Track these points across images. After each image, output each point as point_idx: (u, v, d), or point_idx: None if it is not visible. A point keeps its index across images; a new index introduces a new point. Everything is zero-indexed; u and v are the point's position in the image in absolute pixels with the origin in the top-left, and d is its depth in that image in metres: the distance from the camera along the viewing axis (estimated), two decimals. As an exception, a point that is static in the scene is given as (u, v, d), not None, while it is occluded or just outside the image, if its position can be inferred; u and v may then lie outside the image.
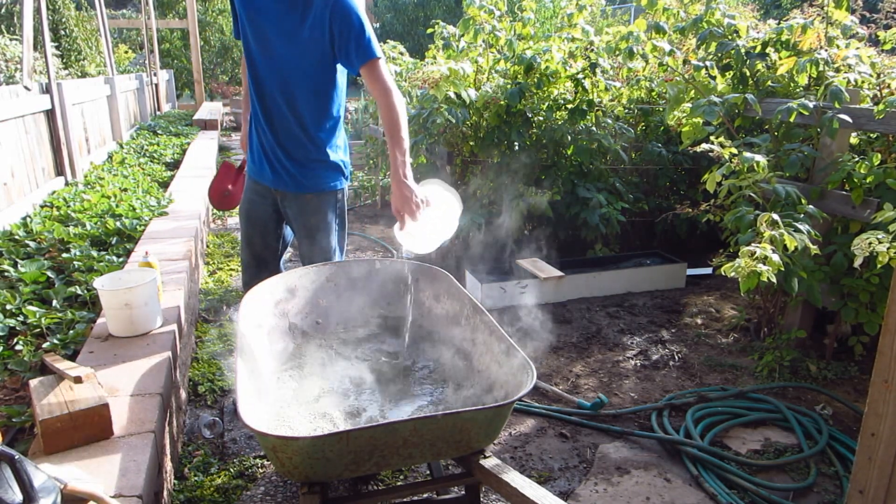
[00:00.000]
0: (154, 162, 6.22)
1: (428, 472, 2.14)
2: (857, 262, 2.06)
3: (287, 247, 2.67)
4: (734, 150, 2.86)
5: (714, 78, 3.72)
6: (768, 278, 2.34)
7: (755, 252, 2.39)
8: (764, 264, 2.36)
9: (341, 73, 2.31)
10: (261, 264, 2.56)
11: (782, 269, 2.41)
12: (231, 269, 4.32)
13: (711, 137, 2.98)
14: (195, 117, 9.96)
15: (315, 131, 2.32)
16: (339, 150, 2.41)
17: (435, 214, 2.11)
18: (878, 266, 2.07)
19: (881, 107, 2.70)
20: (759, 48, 3.51)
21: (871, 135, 3.16)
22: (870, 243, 2.00)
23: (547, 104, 4.34)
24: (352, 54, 2.14)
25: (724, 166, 2.86)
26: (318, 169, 2.36)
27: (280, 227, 2.54)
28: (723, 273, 2.50)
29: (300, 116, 2.28)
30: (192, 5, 12.42)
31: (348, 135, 9.31)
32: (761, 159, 2.78)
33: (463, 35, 4.61)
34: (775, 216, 2.53)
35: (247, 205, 2.52)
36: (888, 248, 2.00)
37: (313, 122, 2.30)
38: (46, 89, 4.54)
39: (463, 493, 1.83)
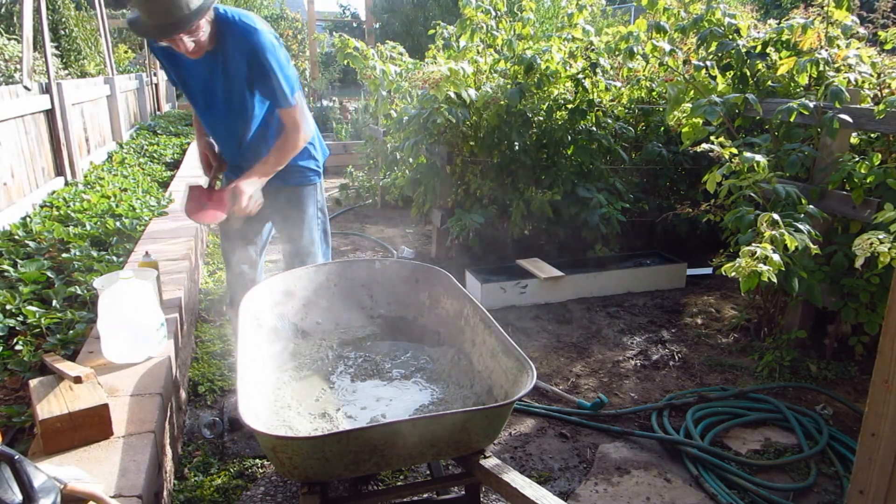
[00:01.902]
0: (154, 162, 6.22)
1: (428, 472, 2.14)
2: (859, 263, 2.06)
3: (265, 245, 2.75)
4: (734, 150, 2.86)
5: (714, 78, 3.72)
6: (769, 278, 2.34)
7: (755, 252, 2.39)
8: (764, 264, 2.36)
9: None
10: (246, 265, 2.65)
11: (783, 268, 2.41)
12: (231, 269, 4.32)
13: (712, 137, 2.98)
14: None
15: (269, 141, 2.43)
16: (307, 152, 2.50)
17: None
18: (880, 266, 2.07)
19: (881, 107, 2.70)
20: (759, 48, 3.50)
21: (872, 135, 3.16)
22: (871, 244, 2.00)
23: (547, 104, 4.34)
24: (272, 97, 2.27)
25: (725, 166, 2.86)
26: (294, 170, 2.46)
27: (256, 229, 2.62)
28: (723, 273, 2.49)
29: (265, 139, 2.39)
30: (192, 5, 12.39)
31: (348, 135, 9.30)
32: (761, 159, 2.78)
33: (461, 35, 4.61)
34: (776, 216, 2.53)
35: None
36: (889, 249, 2.00)
37: (264, 135, 2.41)
38: (46, 89, 4.54)
39: (463, 493, 1.83)
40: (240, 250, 2.62)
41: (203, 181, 2.47)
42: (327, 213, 2.70)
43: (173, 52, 2.14)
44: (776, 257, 2.37)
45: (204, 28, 2.05)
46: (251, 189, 2.22)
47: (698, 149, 2.97)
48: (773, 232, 2.46)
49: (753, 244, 2.46)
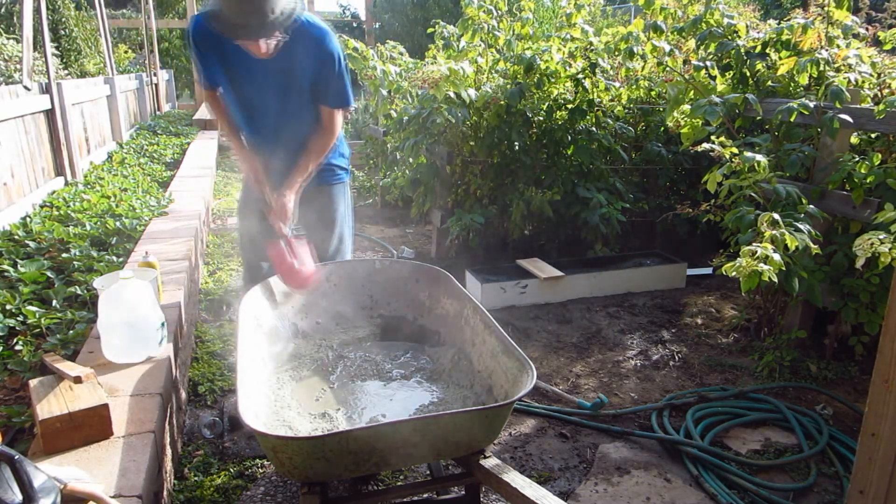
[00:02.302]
0: (154, 162, 6.22)
1: (428, 472, 2.14)
2: (860, 263, 2.06)
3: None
4: (735, 150, 2.86)
5: (714, 78, 3.72)
6: (769, 278, 2.34)
7: (756, 252, 2.39)
8: (765, 264, 2.36)
9: None
10: (263, 261, 2.64)
11: (783, 268, 2.41)
12: (231, 269, 4.32)
13: (712, 137, 2.98)
14: (195, 117, 9.96)
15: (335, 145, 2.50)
16: (337, 150, 2.55)
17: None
18: (880, 267, 2.07)
19: (882, 107, 2.70)
20: (759, 48, 3.50)
21: (872, 135, 3.16)
22: (872, 244, 2.00)
23: (547, 104, 4.34)
24: (325, 96, 2.32)
25: (725, 166, 2.86)
26: (325, 168, 2.49)
27: None
28: (724, 273, 2.49)
29: (305, 135, 2.41)
30: (192, 5, 12.41)
31: (348, 135, 9.30)
32: (762, 159, 2.78)
33: (462, 35, 4.61)
34: (776, 216, 2.53)
35: (246, 196, 2.63)
36: (890, 249, 2.00)
37: (307, 121, 2.43)
38: (46, 89, 4.54)
39: (463, 493, 1.83)
40: (261, 248, 2.59)
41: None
42: (353, 214, 2.78)
43: (224, 46, 2.13)
44: (777, 257, 2.37)
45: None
46: (288, 195, 2.27)
47: (699, 148, 2.97)
48: (774, 232, 2.46)
49: (754, 244, 2.46)
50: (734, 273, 2.41)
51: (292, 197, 2.27)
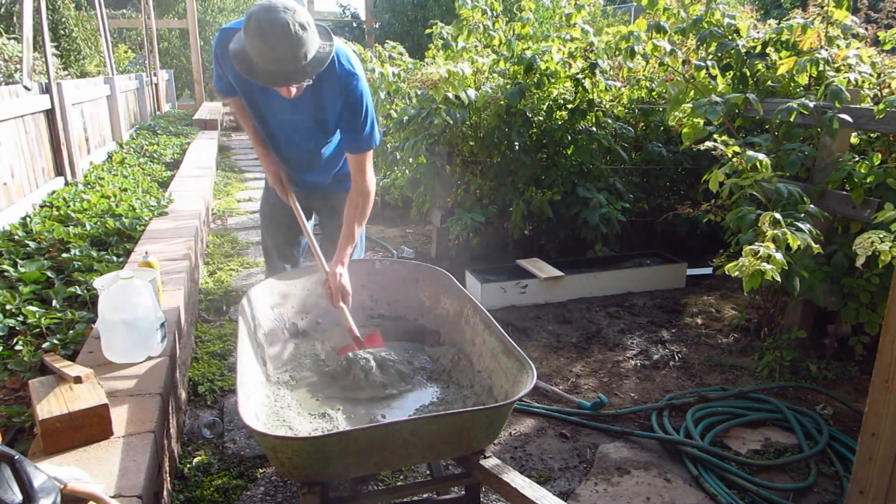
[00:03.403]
0: (154, 162, 6.22)
1: (428, 472, 2.14)
2: (860, 262, 2.05)
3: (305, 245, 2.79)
4: (737, 149, 2.86)
5: (714, 78, 3.72)
6: (772, 277, 2.33)
7: (759, 251, 2.39)
8: (768, 263, 2.36)
9: None
10: (284, 260, 2.73)
11: (786, 267, 2.41)
12: (231, 269, 4.32)
13: (714, 135, 2.98)
14: (195, 117, 9.96)
15: (339, 161, 2.48)
16: None
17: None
18: (880, 266, 2.07)
19: (881, 106, 2.70)
20: (759, 48, 3.50)
21: (872, 134, 3.16)
22: (872, 242, 2.00)
23: (547, 104, 4.34)
24: (352, 142, 2.25)
25: (727, 165, 2.86)
26: (344, 177, 2.45)
27: (301, 235, 2.66)
28: (726, 272, 2.49)
29: (325, 160, 2.42)
30: (192, 5, 12.42)
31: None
32: (764, 158, 2.78)
33: (457, 36, 4.61)
34: (777, 215, 2.53)
35: (269, 209, 2.67)
36: (890, 248, 2.00)
37: (336, 157, 2.46)
38: (46, 89, 4.54)
39: (463, 493, 1.83)
40: (283, 249, 2.70)
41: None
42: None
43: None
44: (779, 256, 2.37)
45: None
46: (342, 269, 2.19)
47: (701, 147, 2.97)
48: (776, 231, 2.46)
49: (756, 243, 2.45)
50: (737, 273, 2.41)
51: (345, 271, 2.18)
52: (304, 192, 2.55)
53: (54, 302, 2.57)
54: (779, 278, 2.36)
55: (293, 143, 2.33)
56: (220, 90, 2.33)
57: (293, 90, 1.95)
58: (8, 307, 2.46)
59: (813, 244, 2.50)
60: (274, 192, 2.52)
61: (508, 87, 4.15)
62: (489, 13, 4.59)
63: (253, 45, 1.80)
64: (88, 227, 3.50)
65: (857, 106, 2.89)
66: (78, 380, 1.78)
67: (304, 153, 2.37)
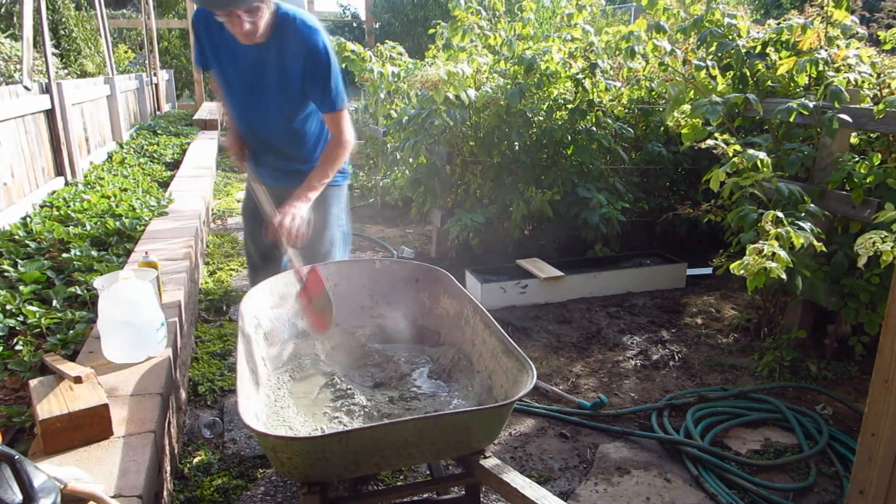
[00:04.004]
0: (154, 162, 6.22)
1: (428, 472, 2.14)
2: (861, 262, 2.05)
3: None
4: (738, 148, 2.86)
5: (714, 78, 3.72)
6: (777, 275, 2.33)
7: (763, 249, 2.38)
8: (772, 261, 2.35)
9: None
10: (266, 260, 2.65)
11: (791, 265, 2.40)
12: (231, 269, 4.32)
13: (715, 135, 2.98)
14: (195, 117, 9.96)
15: (311, 145, 2.45)
16: None
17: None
18: (882, 266, 2.07)
19: (881, 106, 2.70)
20: (759, 48, 3.50)
21: (872, 134, 3.16)
22: (874, 243, 2.00)
23: (547, 104, 4.34)
24: (323, 100, 2.26)
25: (728, 164, 2.86)
26: None
27: None
28: (730, 271, 2.49)
29: (295, 134, 2.40)
30: (192, 5, 12.40)
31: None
32: (765, 157, 2.78)
33: (452, 36, 4.62)
34: (780, 214, 2.53)
35: (250, 203, 2.60)
36: (892, 248, 2.00)
37: (306, 139, 2.44)
38: (46, 89, 4.54)
39: (463, 493, 1.83)
40: (267, 251, 2.63)
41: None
42: (349, 216, 2.71)
43: (219, 32, 2.13)
44: (783, 254, 2.36)
45: (264, 14, 2.04)
46: (305, 212, 2.17)
47: (703, 145, 2.97)
48: (779, 229, 2.45)
49: (760, 241, 2.45)
50: (741, 271, 2.40)
51: (295, 213, 2.14)
52: (282, 185, 2.46)
53: (54, 302, 2.57)
54: (784, 276, 2.35)
55: (258, 107, 2.33)
56: (199, 63, 2.38)
57: (246, 24, 2.01)
58: (8, 307, 2.46)
59: (815, 242, 2.50)
60: (250, 186, 2.51)
61: (508, 87, 4.15)
62: (485, 14, 4.59)
63: None
64: (88, 227, 3.50)
65: (857, 106, 2.89)
66: (78, 380, 1.78)
67: (276, 128, 2.37)
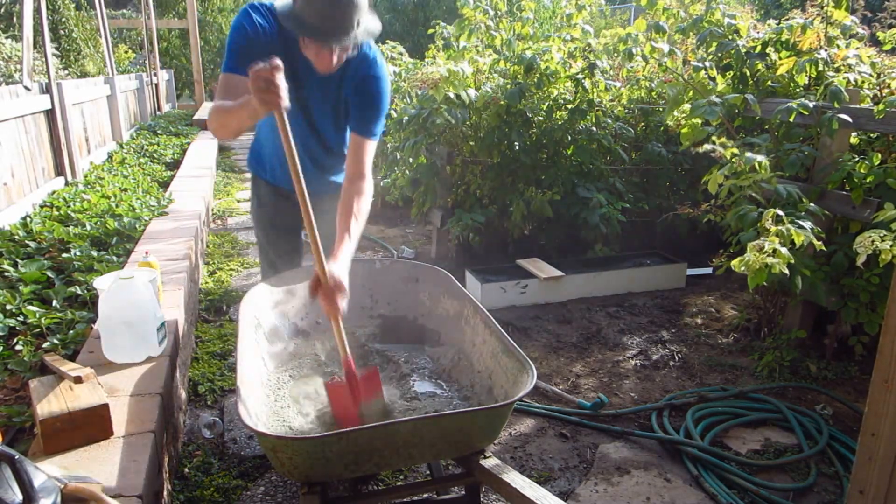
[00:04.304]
0: (154, 162, 6.22)
1: (428, 472, 2.14)
2: (861, 261, 2.06)
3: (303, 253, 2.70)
4: (736, 151, 2.86)
5: (713, 78, 3.72)
6: (780, 271, 2.32)
7: (763, 246, 2.38)
8: (773, 257, 2.35)
9: None
10: (288, 264, 2.58)
11: (792, 261, 2.40)
12: (231, 269, 4.32)
13: (713, 138, 2.98)
14: (195, 117, 9.96)
15: (338, 168, 2.39)
16: None
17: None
18: (881, 264, 2.07)
19: (881, 107, 2.70)
20: (758, 48, 3.50)
21: (871, 135, 3.16)
22: (873, 241, 2.00)
23: (547, 104, 4.34)
24: (360, 123, 2.13)
25: (726, 167, 2.86)
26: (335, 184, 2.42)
27: (301, 233, 2.58)
28: (731, 269, 2.48)
29: (329, 143, 2.31)
30: (192, 5, 12.42)
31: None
32: (763, 159, 2.78)
33: (459, 36, 4.61)
34: (780, 212, 2.53)
35: (272, 211, 2.50)
36: (891, 246, 2.00)
37: (338, 163, 2.38)
38: (46, 89, 4.54)
39: (463, 493, 1.83)
40: (288, 255, 2.56)
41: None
42: None
43: (284, 49, 1.96)
44: (784, 250, 2.36)
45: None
46: (343, 272, 1.86)
47: (700, 149, 2.98)
48: (780, 227, 2.45)
49: (761, 239, 2.45)
50: (742, 269, 2.39)
51: (345, 273, 1.86)
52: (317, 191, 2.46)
53: (54, 302, 2.57)
54: (786, 271, 2.34)
55: (302, 129, 2.22)
56: (235, 69, 1.95)
57: (334, 59, 1.91)
58: (8, 307, 2.46)
59: (815, 241, 2.50)
60: (269, 194, 2.44)
61: (508, 87, 4.15)
62: (491, 13, 4.59)
63: (310, 2, 1.80)
64: (88, 227, 3.50)
65: (857, 106, 2.89)
66: (78, 380, 1.78)
67: (308, 144, 2.29)
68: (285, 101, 1.63)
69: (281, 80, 1.61)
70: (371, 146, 2.14)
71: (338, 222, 2.03)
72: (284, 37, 1.97)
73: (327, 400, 1.82)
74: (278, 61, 1.60)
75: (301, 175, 1.77)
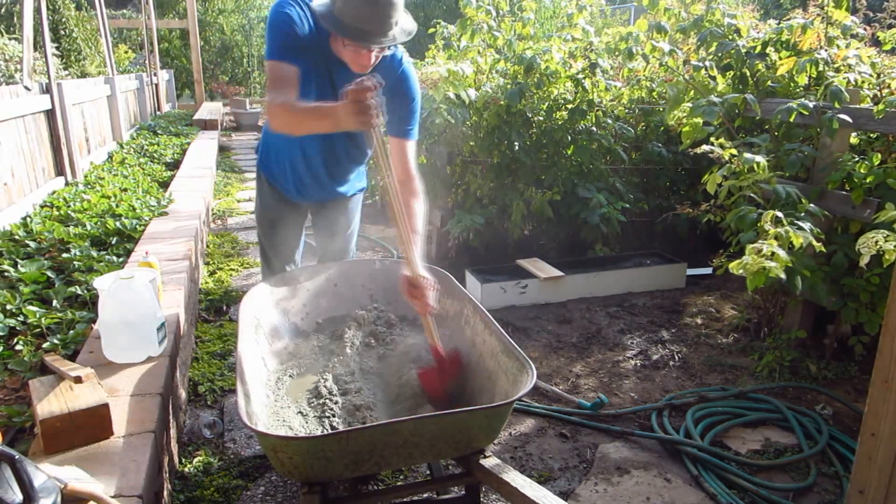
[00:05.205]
0: (154, 162, 6.22)
1: (428, 472, 2.14)
2: (864, 262, 2.05)
3: (304, 245, 2.74)
4: (734, 152, 2.86)
5: (714, 78, 3.72)
6: (777, 275, 2.33)
7: (762, 249, 2.38)
8: (771, 260, 2.35)
9: None
10: (281, 265, 2.62)
11: (790, 264, 2.40)
12: (231, 269, 4.32)
13: (711, 138, 2.98)
14: (195, 117, 9.96)
15: (360, 157, 2.41)
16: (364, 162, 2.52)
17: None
18: (885, 265, 2.07)
19: (881, 107, 2.70)
20: (759, 48, 3.51)
21: (871, 135, 3.16)
22: (876, 241, 2.00)
23: (547, 104, 4.34)
24: (400, 125, 2.12)
25: (725, 167, 2.86)
26: (357, 178, 2.49)
27: (301, 232, 2.62)
28: (729, 271, 2.49)
29: (357, 139, 2.31)
30: (192, 5, 12.42)
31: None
32: (761, 160, 2.78)
33: (461, 35, 4.61)
34: (779, 213, 2.53)
35: (275, 213, 2.52)
36: (895, 247, 2.00)
37: (361, 152, 2.39)
38: (46, 89, 4.54)
39: (463, 493, 1.83)
40: (287, 255, 2.59)
41: None
42: None
43: (319, 44, 1.98)
44: (783, 253, 2.36)
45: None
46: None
47: (699, 150, 2.98)
48: (779, 229, 2.45)
49: (759, 241, 2.45)
50: (740, 271, 2.40)
51: (424, 269, 1.96)
52: (300, 200, 2.46)
53: (54, 302, 2.57)
54: (783, 275, 2.35)
55: (339, 138, 2.25)
56: (284, 57, 1.95)
57: (371, 59, 1.92)
58: (8, 307, 2.46)
59: (815, 242, 2.50)
60: (273, 197, 2.46)
61: (508, 86, 4.15)
62: (494, 13, 4.59)
63: (348, 3, 1.80)
64: (88, 227, 3.50)
65: (857, 106, 2.89)
66: (78, 380, 1.78)
67: (341, 149, 2.30)
68: (380, 121, 1.71)
69: (374, 100, 1.66)
70: (411, 146, 2.15)
71: (404, 225, 1.94)
72: (320, 34, 1.98)
73: (420, 387, 1.92)
74: (372, 82, 1.65)
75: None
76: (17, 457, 1.15)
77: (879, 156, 2.91)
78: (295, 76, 1.95)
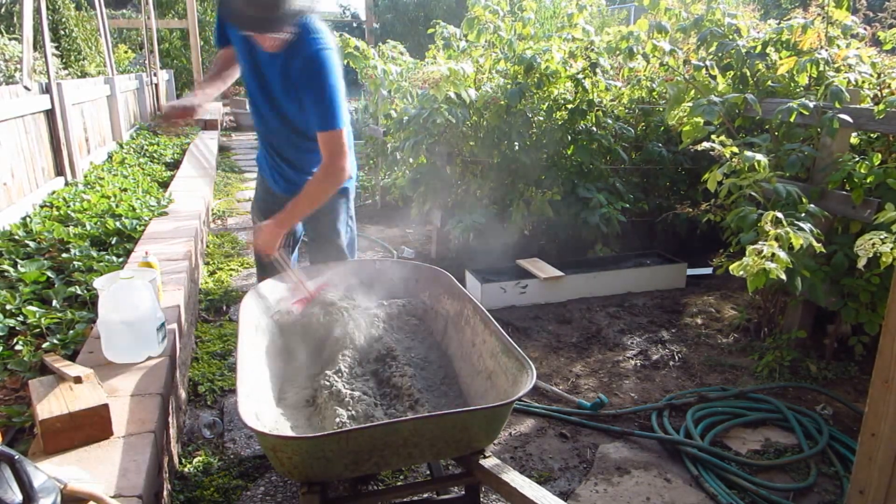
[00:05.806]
0: (154, 162, 6.22)
1: (428, 472, 2.14)
2: (861, 264, 2.05)
3: (298, 244, 2.75)
4: (735, 149, 2.86)
5: (714, 78, 3.72)
6: (777, 276, 2.33)
7: (762, 250, 2.38)
8: (772, 262, 2.35)
9: None
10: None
11: (790, 266, 2.40)
12: (231, 269, 4.32)
13: (713, 136, 2.98)
14: (195, 117, 9.94)
15: (302, 139, 2.39)
16: None
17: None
18: (882, 267, 2.07)
19: (881, 107, 2.70)
20: (759, 48, 3.50)
21: (872, 135, 3.16)
22: (873, 244, 2.00)
23: (547, 104, 4.34)
24: (310, 117, 2.16)
25: (725, 165, 2.86)
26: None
27: (290, 237, 2.62)
28: (729, 272, 2.48)
29: (300, 145, 2.37)
30: (192, 5, 12.43)
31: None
32: (762, 158, 2.78)
33: (467, 35, 4.61)
34: (779, 214, 2.53)
35: (262, 203, 2.61)
36: (892, 249, 2.00)
37: (314, 152, 2.36)
38: (46, 89, 4.54)
39: (463, 493, 1.83)
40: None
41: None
42: (355, 222, 2.69)
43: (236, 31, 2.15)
44: (783, 255, 2.36)
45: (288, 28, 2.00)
46: (271, 227, 2.19)
47: (699, 147, 2.97)
48: (779, 230, 2.45)
49: (759, 242, 2.45)
50: (741, 272, 2.40)
51: (274, 230, 2.18)
52: (279, 192, 2.49)
53: (54, 302, 2.57)
54: (784, 276, 2.35)
55: (271, 119, 2.33)
56: (218, 44, 2.40)
57: (268, 41, 2.03)
58: (8, 307, 2.46)
59: (815, 243, 2.50)
60: (262, 187, 2.53)
61: (509, 86, 4.15)
62: (500, 13, 4.59)
63: None
64: (88, 227, 3.50)
65: (857, 106, 2.89)
66: (78, 380, 1.78)
67: (282, 135, 2.36)
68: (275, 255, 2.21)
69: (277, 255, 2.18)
70: (332, 137, 2.13)
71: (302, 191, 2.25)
72: None
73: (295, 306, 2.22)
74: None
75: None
76: (16, 457, 1.15)
77: (880, 156, 2.91)
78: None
